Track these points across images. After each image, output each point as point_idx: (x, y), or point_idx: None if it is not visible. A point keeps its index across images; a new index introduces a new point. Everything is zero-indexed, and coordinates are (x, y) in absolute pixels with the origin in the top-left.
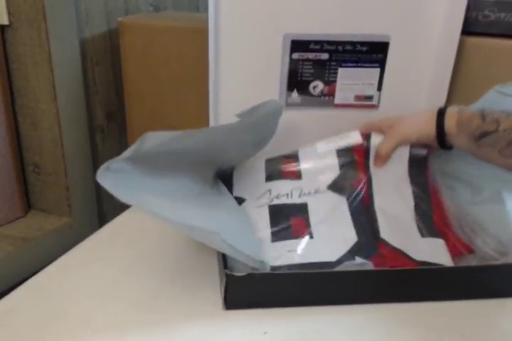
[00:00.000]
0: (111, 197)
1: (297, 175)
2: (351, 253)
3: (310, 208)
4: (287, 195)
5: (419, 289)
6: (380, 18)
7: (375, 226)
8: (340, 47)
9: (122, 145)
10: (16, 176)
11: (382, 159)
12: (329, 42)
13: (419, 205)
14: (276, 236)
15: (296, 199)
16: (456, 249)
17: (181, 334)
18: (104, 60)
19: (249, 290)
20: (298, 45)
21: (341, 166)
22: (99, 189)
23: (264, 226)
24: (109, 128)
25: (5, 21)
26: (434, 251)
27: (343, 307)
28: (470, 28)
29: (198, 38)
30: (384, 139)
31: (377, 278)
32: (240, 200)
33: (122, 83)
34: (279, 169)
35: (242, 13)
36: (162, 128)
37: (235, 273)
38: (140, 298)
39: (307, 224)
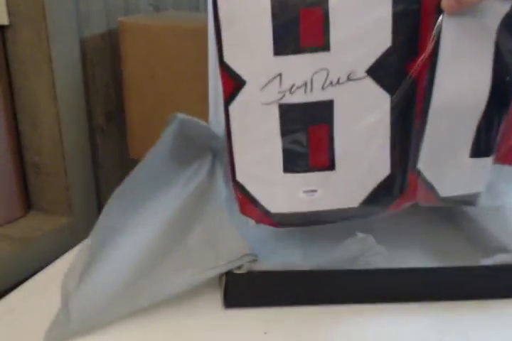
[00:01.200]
0: None
1: (323, 42)
2: (375, 195)
3: (336, 111)
4: (305, 85)
5: (420, 289)
6: None
7: (419, 145)
8: None
9: (122, 145)
10: (16, 176)
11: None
12: None
13: (498, 88)
14: (291, 162)
15: (318, 94)
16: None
17: (180, 333)
18: (104, 60)
19: (249, 288)
20: None
21: (396, 19)
22: (99, 189)
23: (272, 141)
24: (109, 128)
25: (5, 21)
26: (471, 179)
27: (344, 306)
28: None
29: (198, 38)
30: None
31: (378, 278)
32: (236, 81)
33: (122, 83)
34: (295, 28)
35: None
36: (162, 128)
37: (235, 271)
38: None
39: (330, 141)
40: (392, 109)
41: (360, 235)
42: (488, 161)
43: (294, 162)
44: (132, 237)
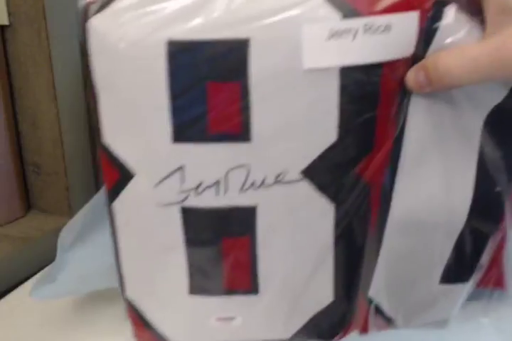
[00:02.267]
0: None
1: (241, 129)
2: (313, 325)
3: (260, 220)
4: (217, 185)
5: None
6: None
7: (372, 268)
8: None
9: None
10: (16, 176)
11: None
12: None
13: (479, 209)
14: (199, 281)
15: (235, 198)
16: (486, 282)
17: None
18: None
19: None
20: None
21: (343, 105)
22: (99, 189)
23: (173, 253)
24: None
25: (5, 21)
26: (439, 308)
27: None
28: None
29: None
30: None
31: None
32: (121, 170)
33: None
34: (201, 107)
35: None
36: None
37: None
38: None
39: (251, 258)
40: (338, 221)
41: None
42: (464, 287)
43: (203, 282)
44: None
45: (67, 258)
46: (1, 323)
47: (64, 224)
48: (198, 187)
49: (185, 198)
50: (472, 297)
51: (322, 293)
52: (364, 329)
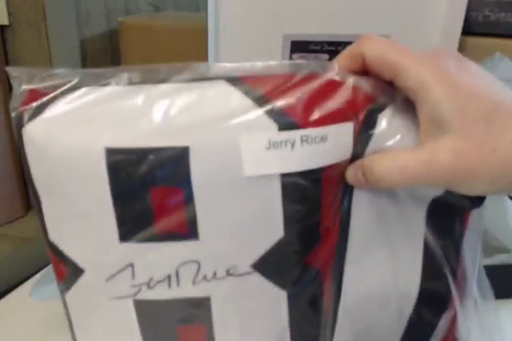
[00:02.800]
0: None
1: (188, 230)
2: None
3: (215, 310)
4: (169, 279)
5: None
6: (379, 18)
7: None
8: (340, 48)
9: None
10: (16, 176)
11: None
12: (329, 43)
13: (429, 292)
14: None
15: (188, 290)
16: None
17: None
18: (104, 60)
19: None
20: (298, 46)
21: (286, 206)
22: None
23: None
24: None
25: (5, 21)
26: None
27: None
28: (470, 28)
29: (198, 38)
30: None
31: None
32: (71, 267)
33: None
34: (146, 209)
35: (241, 13)
36: None
37: None
38: None
39: None
40: (291, 307)
41: None
42: None
43: None
44: None
45: None
46: (1, 323)
47: None
48: (149, 281)
49: (138, 291)
50: None
51: None
52: None
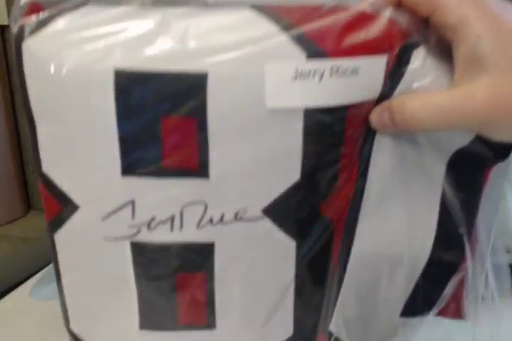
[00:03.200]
0: None
1: (198, 167)
2: None
3: (218, 257)
4: (171, 221)
5: None
6: None
7: (333, 302)
8: None
9: None
10: (16, 176)
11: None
12: None
13: (442, 246)
14: (150, 316)
15: (191, 234)
16: (445, 313)
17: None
18: None
19: None
20: None
21: (307, 146)
22: None
23: (122, 287)
24: None
25: (5, 21)
26: (397, 336)
27: None
28: None
29: None
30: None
31: None
32: (63, 202)
33: None
34: (154, 138)
35: None
36: None
37: None
38: None
39: (207, 294)
40: (299, 259)
41: None
42: (423, 320)
43: (155, 317)
44: None
45: None
46: (1, 323)
47: None
48: (150, 222)
49: (136, 233)
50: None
51: (281, 328)
52: None
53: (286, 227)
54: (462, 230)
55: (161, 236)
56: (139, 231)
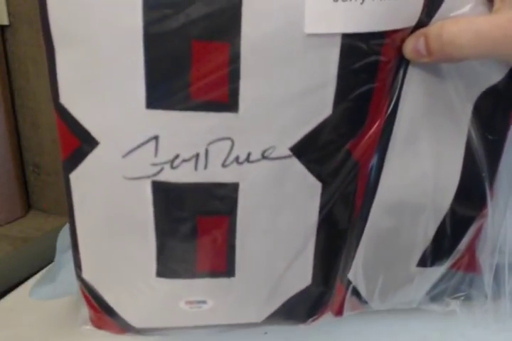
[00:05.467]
0: None
1: (228, 99)
2: (287, 309)
3: (242, 199)
4: (196, 159)
5: None
6: None
7: (353, 250)
8: None
9: None
10: (16, 176)
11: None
12: None
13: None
14: (168, 263)
15: (215, 173)
16: (459, 266)
17: (179, 333)
18: None
19: None
20: None
21: (341, 76)
22: None
23: (139, 231)
24: None
25: (5, 21)
26: (413, 289)
27: None
28: None
29: None
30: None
31: None
32: (82, 138)
33: None
34: (183, 68)
35: None
36: None
37: None
38: None
39: (228, 239)
40: (323, 201)
41: None
42: (439, 270)
43: (173, 263)
44: None
45: (66, 259)
46: (1, 323)
47: (64, 224)
48: (173, 160)
49: (159, 172)
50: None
51: (300, 277)
52: (339, 313)
53: (314, 167)
54: (485, 175)
55: (184, 175)
56: (161, 170)
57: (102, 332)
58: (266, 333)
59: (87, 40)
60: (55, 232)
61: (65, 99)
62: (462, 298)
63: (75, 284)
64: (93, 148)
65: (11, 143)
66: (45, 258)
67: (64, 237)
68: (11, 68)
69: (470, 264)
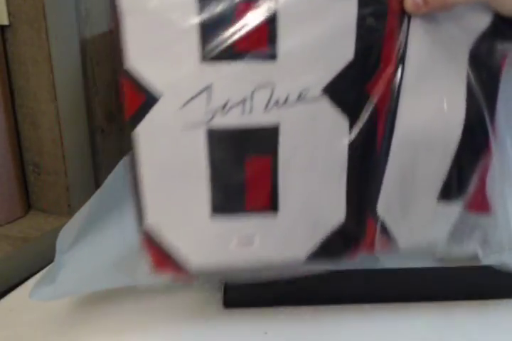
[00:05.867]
0: None
1: (268, 48)
2: (327, 245)
3: (282, 139)
4: (243, 104)
5: (420, 289)
6: None
7: (379, 185)
8: None
9: (122, 145)
10: (16, 176)
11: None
12: None
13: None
14: (221, 202)
15: (259, 116)
16: (472, 206)
17: (179, 333)
18: (104, 60)
19: (249, 288)
20: None
21: (359, 23)
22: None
23: (196, 175)
24: (109, 129)
25: (5, 21)
26: (434, 226)
27: (344, 306)
28: None
29: None
30: None
31: (379, 278)
32: (146, 94)
33: None
34: (230, 25)
35: None
36: None
37: None
38: (138, 296)
39: (272, 177)
40: (351, 138)
41: None
42: (456, 207)
43: (224, 202)
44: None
45: (65, 259)
46: (1, 323)
47: (64, 224)
48: (224, 106)
49: (212, 118)
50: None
51: (335, 212)
52: (371, 249)
53: (342, 106)
54: (486, 114)
55: (233, 119)
56: (213, 117)
57: (101, 332)
58: (266, 333)
59: (149, 8)
60: (55, 232)
61: (133, 62)
62: (480, 240)
63: (75, 285)
64: (155, 102)
65: (10, 143)
66: (45, 258)
67: (64, 237)
68: (11, 68)
69: (483, 205)
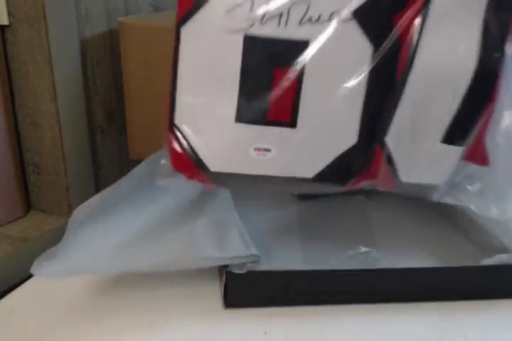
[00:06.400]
0: None
1: None
2: (335, 166)
3: (311, 54)
4: (280, 16)
5: (420, 289)
6: None
7: (391, 114)
8: None
9: (122, 145)
10: (16, 176)
11: None
12: None
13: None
14: (246, 109)
15: (293, 30)
16: (470, 157)
17: (179, 333)
18: (104, 60)
19: (249, 288)
20: None
21: None
22: (99, 189)
23: (228, 79)
24: (109, 129)
25: (5, 21)
26: (435, 167)
27: (344, 306)
28: None
29: None
30: None
31: (379, 278)
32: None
33: (122, 83)
34: None
35: None
36: (162, 128)
37: (234, 271)
38: (139, 296)
39: (296, 92)
40: (373, 63)
41: (363, 249)
42: (457, 152)
43: (249, 110)
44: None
45: (74, 237)
46: (1, 323)
47: (64, 224)
48: (263, 16)
49: (251, 26)
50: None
51: (348, 135)
52: (374, 179)
53: (368, 31)
54: (498, 56)
55: (269, 30)
56: (252, 25)
57: (101, 332)
58: (266, 333)
59: None
60: (55, 232)
61: None
62: (477, 188)
63: (74, 263)
64: (204, 3)
65: (10, 143)
66: None
67: (77, 214)
68: (11, 68)
69: (481, 157)
